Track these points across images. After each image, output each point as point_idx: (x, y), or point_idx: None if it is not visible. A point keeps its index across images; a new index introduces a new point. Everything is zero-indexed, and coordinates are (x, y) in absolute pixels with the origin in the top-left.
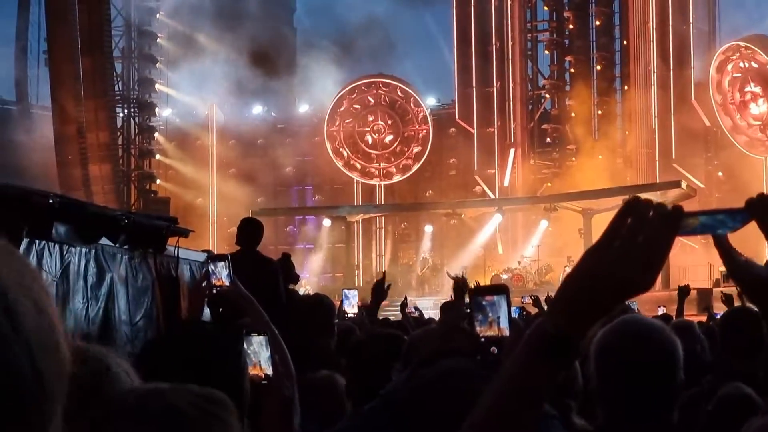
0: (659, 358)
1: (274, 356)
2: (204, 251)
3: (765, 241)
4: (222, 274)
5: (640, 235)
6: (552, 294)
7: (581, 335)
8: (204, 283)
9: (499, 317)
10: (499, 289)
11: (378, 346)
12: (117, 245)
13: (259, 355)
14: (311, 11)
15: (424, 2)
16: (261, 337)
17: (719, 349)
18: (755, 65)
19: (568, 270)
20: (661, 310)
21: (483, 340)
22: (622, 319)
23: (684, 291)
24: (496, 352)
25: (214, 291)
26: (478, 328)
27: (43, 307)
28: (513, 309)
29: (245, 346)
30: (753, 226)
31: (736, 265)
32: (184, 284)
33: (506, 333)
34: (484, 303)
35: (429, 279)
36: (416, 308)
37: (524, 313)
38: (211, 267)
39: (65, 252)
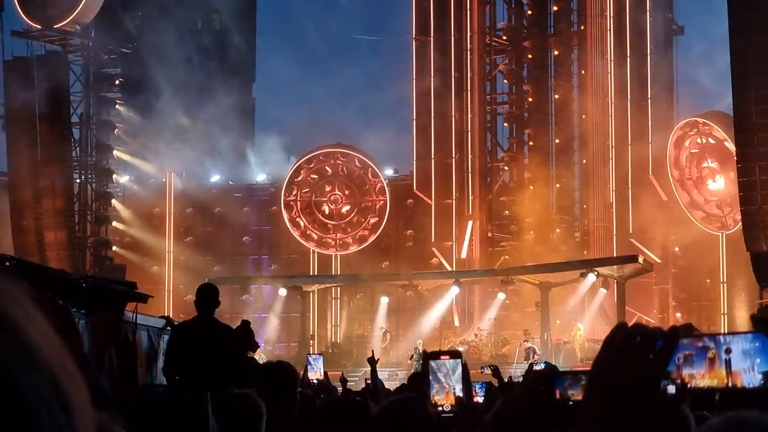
0: None
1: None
2: (162, 317)
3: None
4: None
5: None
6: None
7: None
8: None
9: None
10: (453, 353)
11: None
12: (74, 309)
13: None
14: (271, 81)
15: (384, 73)
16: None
17: None
18: (712, 141)
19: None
20: None
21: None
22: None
23: None
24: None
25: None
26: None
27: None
28: (479, 384)
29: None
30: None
31: None
32: (141, 350)
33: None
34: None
35: (387, 350)
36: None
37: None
38: None
39: None
